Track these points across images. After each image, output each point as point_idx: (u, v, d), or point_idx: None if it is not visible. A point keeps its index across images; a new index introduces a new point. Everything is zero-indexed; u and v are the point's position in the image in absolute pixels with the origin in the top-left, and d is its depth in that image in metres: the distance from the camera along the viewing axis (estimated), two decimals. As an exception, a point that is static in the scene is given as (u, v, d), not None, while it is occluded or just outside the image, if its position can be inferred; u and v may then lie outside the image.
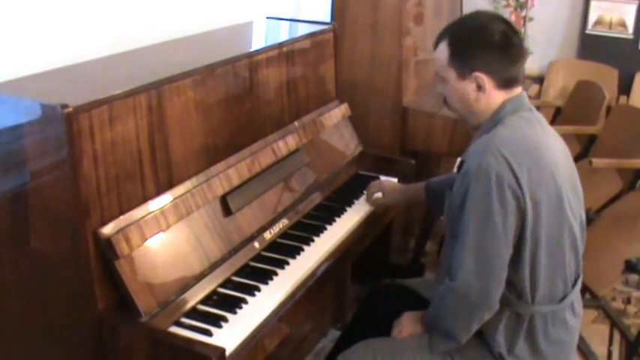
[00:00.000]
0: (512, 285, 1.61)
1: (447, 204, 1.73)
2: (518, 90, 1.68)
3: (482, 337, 1.69)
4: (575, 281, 1.72)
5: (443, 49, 1.68)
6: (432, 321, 1.70)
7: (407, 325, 1.77)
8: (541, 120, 1.70)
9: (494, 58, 1.63)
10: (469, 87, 1.65)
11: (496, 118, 1.65)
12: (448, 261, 1.68)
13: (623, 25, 4.45)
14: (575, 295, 1.72)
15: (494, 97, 1.66)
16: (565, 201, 1.61)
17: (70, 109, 1.38)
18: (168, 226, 1.60)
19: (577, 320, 1.74)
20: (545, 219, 1.58)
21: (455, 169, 1.81)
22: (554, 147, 1.66)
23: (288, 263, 1.84)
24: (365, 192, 2.27)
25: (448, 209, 1.70)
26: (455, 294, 1.59)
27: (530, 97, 1.85)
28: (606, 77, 4.30)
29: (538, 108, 2.06)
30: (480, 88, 1.64)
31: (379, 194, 2.22)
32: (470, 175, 1.55)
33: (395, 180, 2.38)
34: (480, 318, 1.60)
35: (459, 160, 1.71)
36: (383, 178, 2.40)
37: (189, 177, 1.72)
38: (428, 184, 2.13)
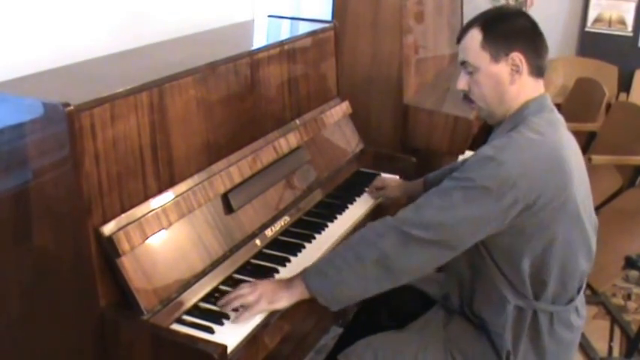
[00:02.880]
0: (518, 278, 1.61)
1: None
2: (541, 88, 1.66)
3: (484, 334, 1.70)
4: (581, 286, 1.73)
5: (474, 35, 1.62)
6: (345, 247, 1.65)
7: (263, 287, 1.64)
8: (562, 121, 1.68)
9: (531, 41, 1.61)
10: (504, 70, 1.60)
11: (518, 117, 1.61)
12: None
13: (622, 22, 4.46)
14: (580, 299, 1.73)
15: (527, 84, 1.62)
16: (581, 205, 1.61)
17: (72, 108, 1.38)
18: (170, 224, 1.60)
19: (581, 321, 1.75)
20: (561, 222, 1.56)
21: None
22: (574, 149, 1.65)
23: (289, 260, 1.84)
24: (367, 188, 2.30)
25: None
26: (392, 223, 1.61)
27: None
28: (606, 74, 4.31)
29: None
30: (516, 69, 1.60)
31: (382, 188, 2.26)
32: (478, 156, 1.53)
33: (397, 177, 2.40)
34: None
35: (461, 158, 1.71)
36: (384, 175, 2.41)
37: (190, 175, 1.72)
38: (426, 178, 2.16)
